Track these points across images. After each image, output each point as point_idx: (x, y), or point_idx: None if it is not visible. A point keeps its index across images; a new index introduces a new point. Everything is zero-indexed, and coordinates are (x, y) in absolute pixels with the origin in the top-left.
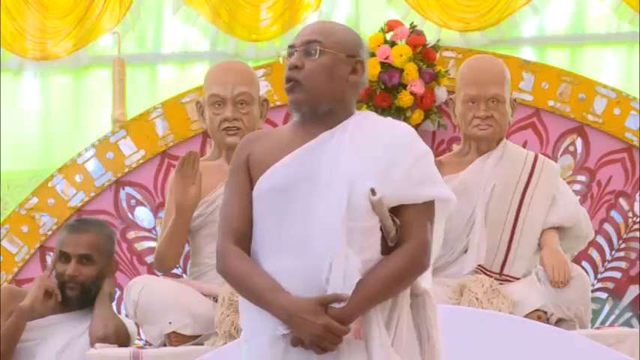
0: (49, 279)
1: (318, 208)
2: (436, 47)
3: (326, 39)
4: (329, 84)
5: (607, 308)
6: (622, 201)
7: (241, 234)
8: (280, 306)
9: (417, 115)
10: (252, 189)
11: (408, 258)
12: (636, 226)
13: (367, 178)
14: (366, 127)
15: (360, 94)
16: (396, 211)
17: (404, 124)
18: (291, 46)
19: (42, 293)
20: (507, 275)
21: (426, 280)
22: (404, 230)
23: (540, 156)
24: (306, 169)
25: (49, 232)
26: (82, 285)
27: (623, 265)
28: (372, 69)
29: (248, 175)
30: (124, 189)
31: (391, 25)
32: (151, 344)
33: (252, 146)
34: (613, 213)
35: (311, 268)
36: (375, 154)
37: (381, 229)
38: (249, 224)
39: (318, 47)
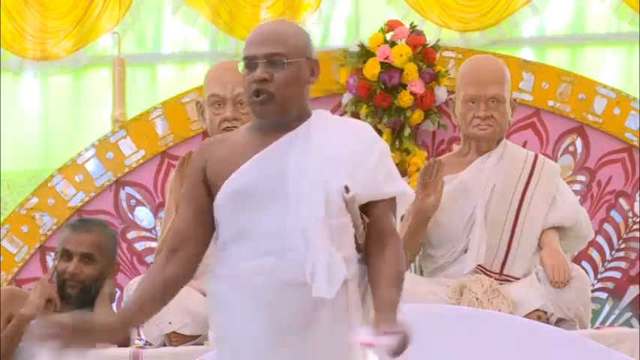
0: (50, 286)
1: (294, 208)
2: (436, 47)
3: (288, 48)
4: (298, 92)
5: (607, 308)
6: (622, 201)
7: (184, 237)
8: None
9: (417, 115)
10: (207, 194)
11: (402, 259)
12: (636, 226)
13: (338, 176)
14: (327, 127)
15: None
16: (364, 208)
17: (360, 122)
18: (252, 57)
19: (44, 302)
20: (507, 275)
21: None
22: (375, 227)
23: (540, 156)
24: (273, 170)
25: (49, 232)
26: (82, 284)
27: (623, 265)
28: (372, 69)
29: (203, 181)
30: (124, 189)
31: (391, 25)
32: (151, 344)
33: (209, 152)
34: (613, 213)
35: (293, 266)
36: (341, 153)
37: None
38: (196, 227)
39: (284, 59)
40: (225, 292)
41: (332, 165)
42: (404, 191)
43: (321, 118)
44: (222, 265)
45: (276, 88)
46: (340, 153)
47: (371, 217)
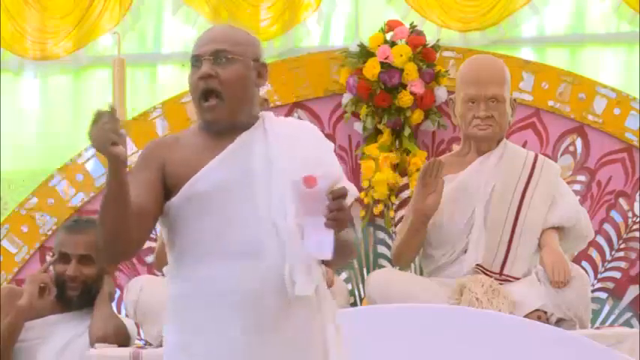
0: (43, 274)
1: (266, 208)
2: (436, 47)
3: (232, 46)
4: (244, 93)
5: (607, 308)
6: (622, 201)
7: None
8: None
9: (417, 115)
10: (160, 188)
11: (352, 236)
12: (636, 226)
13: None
14: (281, 127)
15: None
16: None
17: (307, 122)
18: (196, 56)
19: (36, 289)
20: (507, 275)
21: None
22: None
23: (540, 156)
24: (239, 171)
25: (49, 232)
26: (83, 284)
27: (623, 265)
28: (372, 69)
29: (160, 177)
30: None
31: (391, 25)
32: (151, 344)
33: (166, 151)
34: (613, 213)
35: (271, 266)
36: (304, 153)
37: None
38: (153, 204)
39: (228, 55)
40: (196, 294)
41: (298, 164)
42: (356, 191)
43: (271, 119)
44: (189, 267)
45: (221, 85)
46: (303, 152)
47: None
